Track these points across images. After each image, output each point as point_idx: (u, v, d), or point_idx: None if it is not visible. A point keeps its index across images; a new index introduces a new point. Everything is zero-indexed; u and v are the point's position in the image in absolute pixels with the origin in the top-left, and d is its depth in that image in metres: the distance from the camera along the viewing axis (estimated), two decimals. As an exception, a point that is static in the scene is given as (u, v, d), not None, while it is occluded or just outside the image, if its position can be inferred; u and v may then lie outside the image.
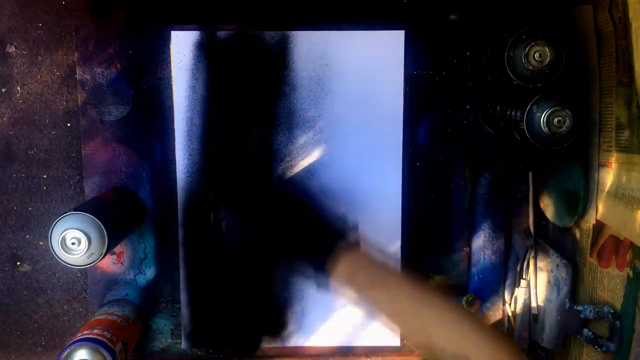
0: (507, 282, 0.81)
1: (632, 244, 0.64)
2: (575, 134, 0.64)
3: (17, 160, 0.78)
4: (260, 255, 0.75)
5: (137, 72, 0.76)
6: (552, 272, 0.77)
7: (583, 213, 0.73)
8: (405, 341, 0.62)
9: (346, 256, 0.63)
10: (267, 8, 0.76)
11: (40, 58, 0.77)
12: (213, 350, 0.81)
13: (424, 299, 0.60)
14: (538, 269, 0.79)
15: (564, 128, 0.63)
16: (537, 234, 0.80)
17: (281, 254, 0.70)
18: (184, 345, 0.80)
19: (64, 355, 0.66)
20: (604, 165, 0.69)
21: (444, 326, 0.57)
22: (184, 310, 0.79)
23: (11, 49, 0.76)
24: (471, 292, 0.81)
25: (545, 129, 0.64)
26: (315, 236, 0.67)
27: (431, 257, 0.80)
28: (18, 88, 0.77)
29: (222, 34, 0.75)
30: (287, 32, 0.75)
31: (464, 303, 0.80)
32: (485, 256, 0.81)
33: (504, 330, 0.81)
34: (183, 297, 0.79)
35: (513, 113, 0.67)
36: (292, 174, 0.78)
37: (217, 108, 0.76)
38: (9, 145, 0.78)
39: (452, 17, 0.77)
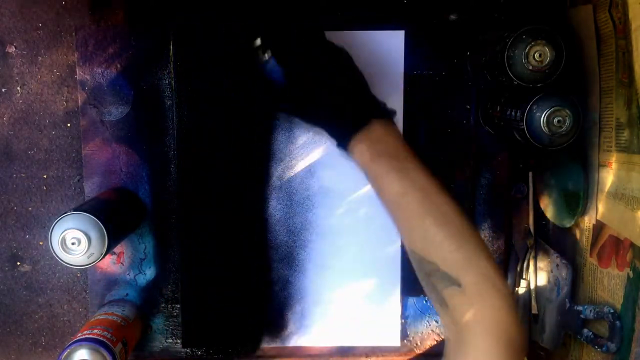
0: (507, 282, 0.81)
1: (632, 244, 0.64)
2: (575, 134, 0.64)
3: (17, 160, 0.78)
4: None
5: (137, 72, 0.76)
6: (552, 272, 0.77)
7: (583, 213, 0.73)
8: (401, 240, 0.58)
9: (376, 123, 0.59)
10: (267, 8, 0.76)
11: (40, 58, 0.77)
12: (213, 351, 0.81)
13: (434, 192, 0.56)
14: (538, 269, 0.79)
15: (564, 128, 0.63)
16: (537, 234, 0.80)
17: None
18: (183, 345, 0.80)
19: (64, 355, 0.66)
20: (604, 165, 0.69)
21: (445, 243, 0.53)
22: (184, 310, 0.79)
23: (11, 49, 0.76)
24: (471, 292, 0.81)
25: (545, 129, 0.64)
26: (349, 97, 0.62)
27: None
28: (18, 88, 0.77)
29: (222, 33, 0.75)
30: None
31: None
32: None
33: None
34: (183, 297, 0.79)
35: (513, 113, 0.67)
36: (292, 174, 0.78)
37: (217, 108, 0.76)
38: (9, 145, 0.78)
39: (452, 17, 0.77)
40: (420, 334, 0.82)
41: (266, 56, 0.65)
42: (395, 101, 0.76)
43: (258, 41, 0.65)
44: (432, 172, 0.58)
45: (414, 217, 0.56)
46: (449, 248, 0.53)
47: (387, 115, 0.62)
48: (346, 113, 0.61)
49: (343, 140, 0.61)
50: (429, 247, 0.54)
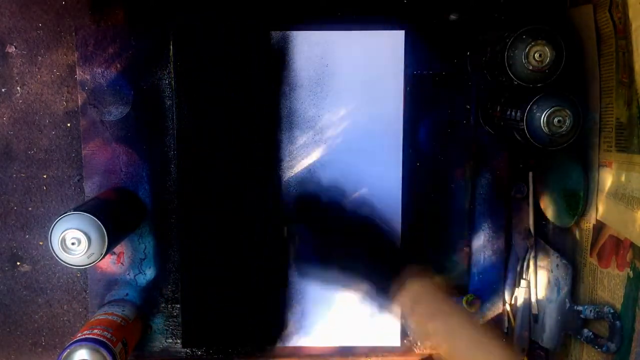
0: (507, 282, 0.81)
1: (632, 244, 0.64)
2: (575, 134, 0.64)
3: (17, 160, 0.78)
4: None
5: (137, 72, 0.76)
6: (552, 272, 0.77)
7: (583, 213, 0.73)
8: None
9: (413, 282, 0.63)
10: (267, 8, 0.76)
11: (40, 58, 0.77)
12: (213, 351, 0.81)
13: (481, 339, 0.60)
14: (538, 269, 0.79)
15: (564, 128, 0.63)
16: (537, 234, 0.80)
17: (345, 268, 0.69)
18: (183, 345, 0.80)
19: (64, 355, 0.66)
20: (604, 165, 0.69)
21: None
22: (184, 310, 0.79)
23: (11, 49, 0.76)
24: (471, 292, 0.81)
25: (545, 129, 0.63)
26: (383, 256, 0.67)
27: (431, 258, 0.80)
28: (18, 88, 0.77)
29: (222, 33, 0.75)
30: (287, 32, 0.75)
31: (464, 303, 0.80)
32: (485, 256, 0.81)
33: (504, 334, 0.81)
34: (183, 297, 0.79)
35: (513, 113, 0.67)
36: (292, 174, 0.78)
37: (217, 108, 0.76)
38: (9, 145, 0.78)
39: (452, 17, 0.77)
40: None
41: (296, 240, 0.71)
42: (395, 101, 0.76)
43: (285, 232, 0.73)
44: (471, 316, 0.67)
45: (465, 351, 0.60)
46: None
47: (418, 264, 0.65)
48: (379, 280, 0.65)
49: (383, 306, 0.65)
50: None
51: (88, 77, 0.76)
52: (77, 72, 0.76)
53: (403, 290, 0.63)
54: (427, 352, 0.81)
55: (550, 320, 0.77)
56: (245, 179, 0.77)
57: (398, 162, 0.77)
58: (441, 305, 0.63)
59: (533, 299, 0.79)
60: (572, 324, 0.73)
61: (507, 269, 0.81)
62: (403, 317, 0.65)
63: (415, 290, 0.63)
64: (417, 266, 0.65)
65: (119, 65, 0.76)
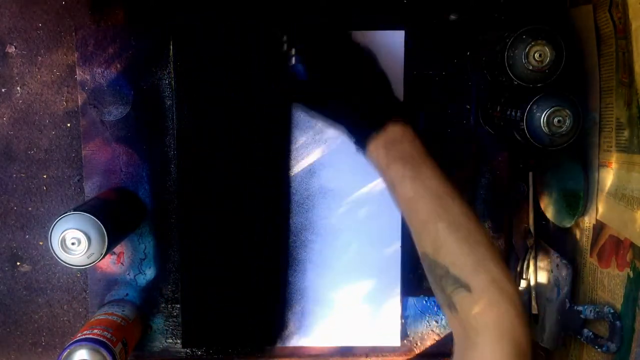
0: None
1: (632, 244, 0.64)
2: (575, 134, 0.64)
3: (17, 160, 0.78)
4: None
5: (137, 72, 0.76)
6: (552, 272, 0.77)
7: (583, 213, 0.73)
8: (413, 239, 0.58)
9: (395, 124, 0.60)
10: (267, 8, 0.76)
11: (40, 58, 0.77)
12: (213, 351, 0.81)
13: (447, 197, 0.57)
14: (538, 269, 0.79)
15: (564, 128, 0.63)
16: (537, 234, 0.80)
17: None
18: (183, 345, 0.80)
19: (64, 355, 0.66)
20: (604, 165, 0.69)
21: (456, 246, 0.54)
22: (184, 310, 0.79)
23: (11, 49, 0.76)
24: (471, 292, 0.81)
25: (545, 129, 0.64)
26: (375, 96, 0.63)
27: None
28: (18, 88, 0.77)
29: (222, 34, 0.75)
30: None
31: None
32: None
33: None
34: (183, 297, 0.79)
35: (513, 113, 0.67)
36: (292, 174, 0.78)
37: (217, 108, 0.76)
38: (9, 145, 0.78)
39: (452, 17, 0.77)
40: (420, 334, 0.82)
41: (291, 52, 0.65)
42: (395, 101, 0.76)
43: (284, 38, 0.67)
44: (447, 176, 0.59)
45: (426, 222, 0.56)
46: (460, 252, 0.54)
47: (405, 117, 0.62)
48: (364, 113, 0.62)
49: (360, 140, 0.61)
50: (440, 251, 0.55)
51: (88, 77, 0.76)
52: (77, 72, 0.76)
53: (381, 128, 0.60)
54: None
55: (550, 320, 0.77)
56: (245, 179, 0.77)
57: (398, 162, 0.77)
58: (414, 153, 0.59)
59: (533, 299, 0.79)
60: (572, 324, 0.73)
61: (507, 269, 0.81)
62: (371, 157, 0.60)
63: (394, 130, 0.60)
64: (404, 117, 0.62)
65: (119, 65, 0.76)
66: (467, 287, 0.52)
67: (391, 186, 0.60)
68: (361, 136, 0.61)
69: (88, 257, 0.65)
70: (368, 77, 0.64)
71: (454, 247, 0.54)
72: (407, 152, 0.59)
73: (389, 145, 0.60)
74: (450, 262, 0.54)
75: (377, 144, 0.60)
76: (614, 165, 0.67)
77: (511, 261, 0.81)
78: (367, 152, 0.61)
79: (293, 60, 0.65)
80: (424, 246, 0.57)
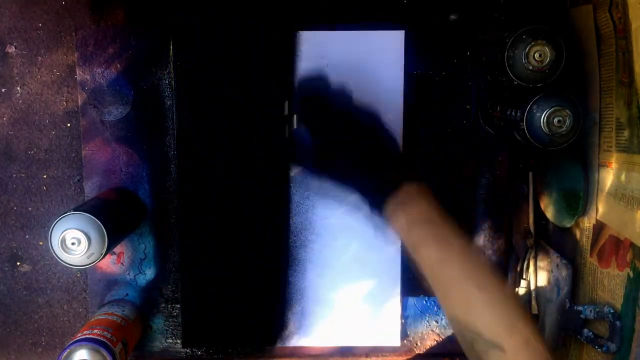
0: (507, 282, 0.81)
1: (632, 244, 0.64)
2: (575, 134, 0.64)
3: (17, 160, 0.78)
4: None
5: (137, 72, 0.76)
6: (552, 272, 0.77)
7: (583, 213, 0.73)
8: (442, 310, 0.57)
9: (409, 184, 0.59)
10: (267, 8, 0.76)
11: (40, 58, 0.77)
12: (213, 351, 0.81)
13: (472, 257, 0.56)
14: (538, 269, 0.79)
15: (564, 128, 0.63)
16: (537, 234, 0.80)
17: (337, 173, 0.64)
18: (183, 345, 0.80)
19: (64, 355, 0.66)
20: (604, 165, 0.69)
21: (487, 309, 0.53)
22: (184, 310, 0.79)
23: (11, 49, 0.76)
24: (471, 292, 0.81)
25: (545, 129, 0.63)
26: (382, 160, 0.62)
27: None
28: (18, 88, 0.77)
29: (222, 34, 0.75)
30: (288, 32, 0.75)
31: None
32: (485, 256, 0.80)
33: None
34: (183, 297, 0.79)
35: (513, 113, 0.67)
36: (292, 174, 0.78)
37: (217, 108, 0.76)
38: (9, 145, 0.78)
39: (452, 17, 0.77)
40: (420, 334, 0.82)
41: (294, 121, 0.67)
42: (395, 101, 0.76)
43: (286, 108, 0.68)
44: (466, 235, 0.58)
45: (454, 284, 0.56)
46: (492, 314, 0.53)
47: (417, 173, 0.61)
48: (375, 177, 0.62)
49: (375, 205, 0.61)
50: (471, 313, 0.54)
51: (88, 77, 0.76)
52: (77, 72, 0.76)
53: (397, 190, 0.59)
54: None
55: (550, 320, 0.77)
56: (245, 179, 0.77)
57: (398, 162, 0.77)
58: (433, 214, 0.58)
59: (533, 299, 0.79)
60: (572, 324, 0.73)
61: (507, 269, 0.81)
62: (390, 220, 0.60)
63: (410, 191, 0.59)
64: (417, 175, 0.61)
65: (119, 65, 0.76)
66: (500, 348, 0.52)
67: (414, 248, 0.58)
68: (376, 200, 0.61)
69: (88, 257, 0.65)
70: (374, 139, 0.64)
71: (486, 309, 0.54)
72: (426, 213, 0.59)
73: (407, 208, 0.59)
74: (482, 324, 0.53)
75: (394, 207, 0.59)
76: (614, 165, 0.67)
77: (511, 261, 0.81)
78: (384, 216, 0.60)
79: (295, 125, 0.65)
80: (452, 308, 0.56)
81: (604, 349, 0.68)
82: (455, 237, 0.57)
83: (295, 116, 0.65)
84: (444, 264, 0.56)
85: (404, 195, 0.59)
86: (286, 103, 0.68)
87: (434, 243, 0.57)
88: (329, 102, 0.67)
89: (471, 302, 0.54)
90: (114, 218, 0.70)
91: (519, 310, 0.54)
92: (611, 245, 0.68)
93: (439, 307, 0.82)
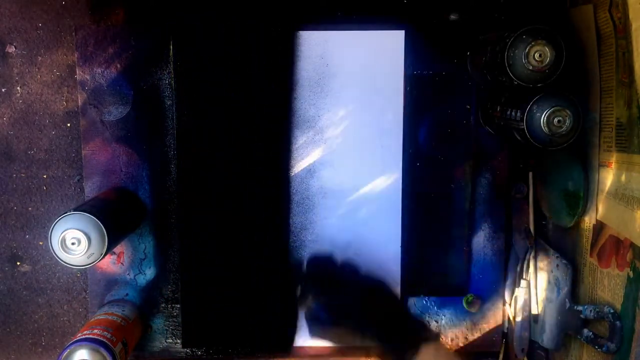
0: (507, 282, 0.81)
1: (632, 244, 0.64)
2: (575, 134, 0.64)
3: (17, 160, 0.78)
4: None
5: (137, 72, 0.76)
6: (552, 272, 0.77)
7: (583, 213, 0.73)
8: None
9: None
10: (267, 8, 0.76)
11: (40, 58, 0.77)
12: (213, 351, 0.81)
13: None
14: (538, 269, 0.79)
15: (564, 128, 0.63)
16: (537, 234, 0.80)
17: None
18: (183, 345, 0.80)
19: (64, 355, 0.66)
20: (604, 165, 0.69)
21: None
22: (184, 310, 0.79)
23: (11, 49, 0.76)
24: (471, 292, 0.81)
25: (545, 129, 0.63)
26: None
27: (431, 257, 0.80)
28: (18, 88, 0.77)
29: (222, 33, 0.75)
30: (288, 32, 0.75)
31: (464, 303, 0.80)
32: (485, 256, 0.81)
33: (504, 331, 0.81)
34: (183, 297, 0.79)
35: (513, 113, 0.67)
36: (292, 174, 0.78)
37: (217, 108, 0.76)
38: (9, 145, 0.78)
39: (452, 17, 0.77)
40: (420, 334, 0.82)
41: (309, 300, 0.76)
42: (395, 101, 0.77)
43: (299, 290, 0.76)
44: None
45: None
46: None
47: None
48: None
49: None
50: None
51: (88, 77, 0.76)
52: (77, 72, 0.76)
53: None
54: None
55: (550, 320, 0.77)
56: (245, 179, 0.77)
57: (398, 162, 0.77)
58: None
59: (533, 299, 0.79)
60: (572, 324, 0.73)
61: (507, 269, 0.81)
62: None
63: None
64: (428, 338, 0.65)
65: (119, 65, 0.76)
66: None
67: None
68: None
69: (88, 257, 0.65)
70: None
71: None
72: None
73: None
74: None
75: None
76: (614, 165, 0.67)
77: (511, 261, 0.81)
78: None
79: (313, 305, 0.76)
80: None
81: (604, 349, 0.68)
82: None
83: (310, 297, 0.76)
84: None
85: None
86: (299, 287, 0.77)
87: None
88: (337, 277, 0.77)
89: None
90: (114, 218, 0.70)
91: None
92: (611, 245, 0.68)
93: (439, 307, 0.82)
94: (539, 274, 0.79)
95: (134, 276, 0.80)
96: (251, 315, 0.79)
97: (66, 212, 0.65)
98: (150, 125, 0.77)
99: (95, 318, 0.74)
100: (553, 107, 0.63)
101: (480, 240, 0.80)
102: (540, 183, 0.79)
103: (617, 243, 0.67)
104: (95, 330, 0.69)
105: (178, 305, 0.80)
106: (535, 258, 0.79)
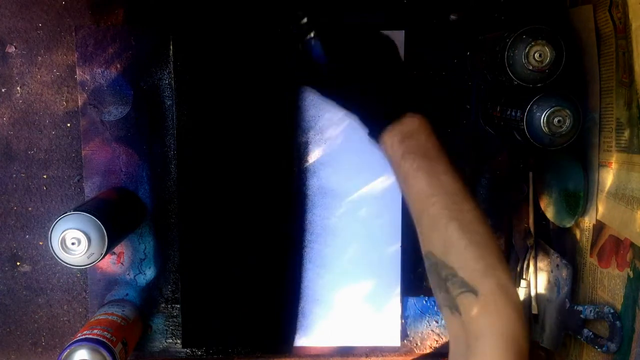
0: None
1: (632, 244, 0.64)
2: (575, 134, 0.64)
3: (17, 160, 0.78)
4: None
5: (137, 72, 0.76)
6: (552, 272, 0.77)
7: (583, 213, 0.73)
8: (419, 237, 0.57)
9: (413, 115, 0.58)
10: (267, 8, 0.76)
11: (40, 58, 0.77)
12: (213, 351, 0.81)
13: (461, 197, 0.55)
14: (538, 269, 0.79)
15: (564, 128, 0.63)
16: (537, 234, 0.80)
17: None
18: (183, 345, 0.80)
19: (64, 355, 0.66)
20: (604, 165, 0.69)
21: (467, 250, 0.52)
22: (184, 310, 0.79)
23: (11, 49, 0.76)
24: (471, 292, 0.81)
25: (545, 129, 0.63)
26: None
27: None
28: (18, 88, 0.77)
29: (221, 33, 0.75)
30: (287, 31, 0.75)
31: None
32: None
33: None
34: (183, 297, 0.79)
35: (513, 113, 0.67)
36: (292, 174, 0.78)
37: (217, 108, 0.76)
38: (9, 145, 0.78)
39: (452, 17, 0.77)
40: (420, 334, 0.82)
41: (311, 35, 0.63)
42: (395, 101, 0.76)
43: (305, 19, 0.64)
44: (461, 174, 0.57)
45: (438, 220, 0.55)
46: (471, 255, 0.52)
47: (423, 110, 0.60)
48: (381, 102, 0.60)
49: (374, 129, 0.59)
50: (450, 252, 0.53)
51: (88, 77, 0.76)
52: (77, 72, 0.76)
53: (398, 119, 0.58)
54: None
55: (550, 320, 0.77)
56: (245, 179, 0.77)
57: (398, 162, 0.77)
58: (431, 149, 0.57)
59: (533, 299, 0.79)
60: (572, 324, 0.73)
61: (507, 269, 0.81)
62: (385, 148, 0.59)
63: (410, 122, 0.58)
64: (419, 106, 0.60)
65: (119, 65, 0.76)
66: (474, 291, 0.51)
67: (403, 179, 0.58)
68: (376, 126, 0.59)
69: (88, 257, 0.65)
70: (388, 66, 0.62)
71: (465, 249, 0.52)
72: (423, 146, 0.58)
73: (404, 138, 0.58)
74: (459, 265, 0.52)
75: (392, 135, 0.58)
76: (614, 165, 0.67)
77: (511, 261, 0.81)
78: (380, 143, 0.59)
79: (311, 36, 0.63)
80: (431, 245, 0.55)
81: (604, 349, 0.68)
82: (448, 174, 0.56)
83: (313, 33, 0.63)
84: (430, 199, 0.55)
85: (404, 126, 0.58)
86: (305, 18, 0.64)
87: (424, 176, 0.56)
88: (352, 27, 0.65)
89: (452, 241, 0.53)
90: (114, 218, 0.70)
91: (497, 254, 0.53)
92: (611, 245, 0.68)
93: (439, 307, 0.82)
94: (539, 274, 0.79)
95: (134, 276, 0.80)
96: (251, 315, 0.79)
97: (66, 212, 0.65)
98: (150, 125, 0.77)
99: (95, 318, 0.74)
100: (553, 107, 0.63)
101: (480, 240, 0.80)
102: (540, 183, 0.79)
103: (617, 243, 0.67)
104: (95, 330, 0.69)
105: (178, 305, 0.80)
106: (535, 258, 0.79)
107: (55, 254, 0.65)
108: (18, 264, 0.80)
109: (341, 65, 0.62)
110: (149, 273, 0.80)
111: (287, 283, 0.79)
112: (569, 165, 0.74)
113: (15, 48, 0.77)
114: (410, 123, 0.58)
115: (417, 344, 0.82)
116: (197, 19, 0.76)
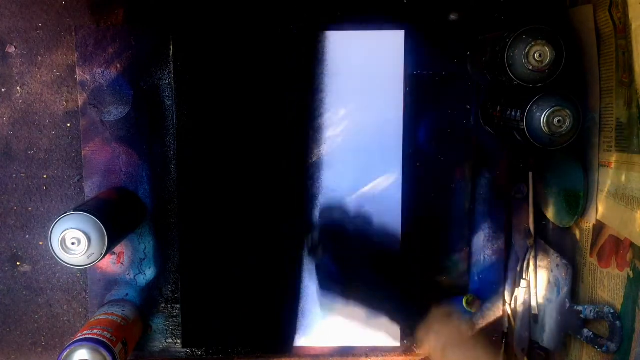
0: (507, 282, 0.81)
1: (632, 244, 0.64)
2: (575, 134, 0.64)
3: (17, 160, 0.78)
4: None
5: (137, 72, 0.76)
6: (552, 272, 0.77)
7: (583, 213, 0.73)
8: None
9: (441, 325, 0.67)
10: (267, 8, 0.76)
11: (40, 58, 0.77)
12: (213, 351, 0.81)
13: None
14: (538, 269, 0.79)
15: (564, 128, 0.63)
16: (537, 234, 0.80)
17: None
18: (183, 345, 0.80)
19: (64, 355, 0.66)
20: (604, 165, 0.69)
21: None
22: (184, 310, 0.79)
23: (11, 49, 0.76)
24: (471, 292, 0.81)
25: (545, 129, 0.63)
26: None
27: (431, 257, 0.80)
28: (18, 88, 0.77)
29: (221, 33, 0.75)
30: (287, 32, 0.75)
31: (464, 303, 0.80)
32: (485, 256, 0.81)
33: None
34: (183, 297, 0.79)
35: (513, 113, 0.67)
36: (292, 174, 0.78)
37: (217, 108, 0.76)
38: (9, 145, 0.78)
39: (452, 17, 0.77)
40: (420, 334, 0.82)
41: (319, 251, 0.76)
42: (395, 101, 0.76)
43: (310, 241, 0.77)
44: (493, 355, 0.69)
45: None
46: None
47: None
48: (403, 303, 0.71)
49: (408, 330, 0.71)
50: None
51: (88, 77, 0.76)
52: (77, 72, 0.76)
53: (431, 333, 0.67)
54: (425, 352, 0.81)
55: (550, 320, 0.77)
56: (244, 179, 0.77)
57: (398, 162, 0.77)
58: (463, 336, 0.68)
59: (533, 299, 0.79)
60: (572, 324, 0.73)
61: (507, 269, 0.81)
62: (423, 343, 0.70)
63: (437, 315, 0.67)
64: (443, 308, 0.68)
65: (119, 65, 0.76)
66: None
67: None
68: (408, 325, 0.71)
69: (88, 257, 0.65)
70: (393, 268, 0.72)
71: None
72: (457, 335, 0.69)
73: (438, 331, 0.69)
74: None
75: (426, 331, 0.68)
76: (614, 165, 0.67)
77: (511, 261, 0.81)
78: (417, 339, 0.71)
79: (323, 258, 0.76)
80: None
81: (604, 349, 0.68)
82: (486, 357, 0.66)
83: (320, 249, 0.76)
84: None
85: (432, 320, 0.67)
86: (310, 237, 0.77)
87: None
88: (349, 228, 0.76)
89: None
90: (114, 218, 0.70)
91: None
92: (611, 245, 0.68)
93: (439, 307, 0.82)
94: (539, 274, 0.79)
95: (134, 276, 0.80)
96: (251, 315, 0.79)
97: (66, 212, 0.65)
98: (150, 125, 0.77)
99: (95, 318, 0.74)
100: (553, 107, 0.63)
101: (480, 240, 0.80)
102: (540, 183, 0.79)
103: (617, 243, 0.67)
104: (95, 330, 0.69)
105: (178, 305, 0.80)
106: (535, 258, 0.79)
107: (55, 254, 0.65)
108: (18, 264, 0.80)
109: (352, 275, 0.75)
110: (149, 273, 0.80)
111: (287, 283, 0.79)
112: (569, 165, 0.74)
113: (15, 48, 0.77)
114: (436, 316, 0.72)
115: (417, 344, 0.82)
116: (197, 19, 0.76)
